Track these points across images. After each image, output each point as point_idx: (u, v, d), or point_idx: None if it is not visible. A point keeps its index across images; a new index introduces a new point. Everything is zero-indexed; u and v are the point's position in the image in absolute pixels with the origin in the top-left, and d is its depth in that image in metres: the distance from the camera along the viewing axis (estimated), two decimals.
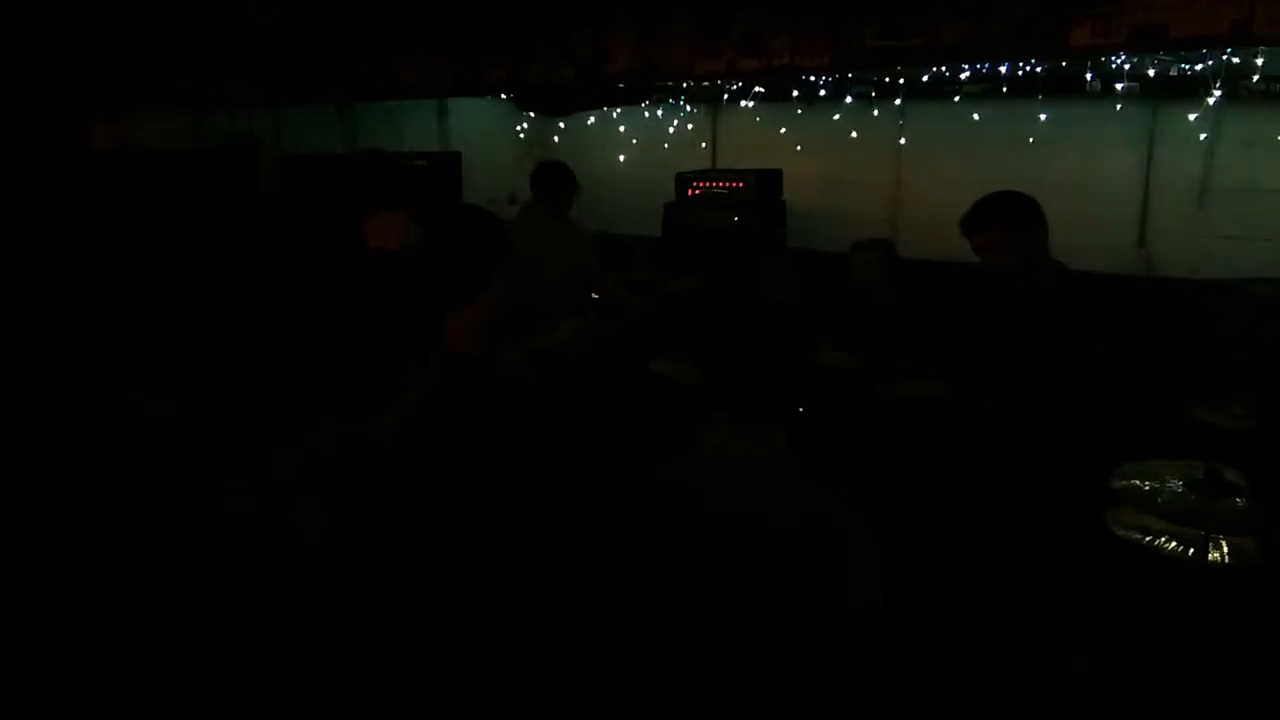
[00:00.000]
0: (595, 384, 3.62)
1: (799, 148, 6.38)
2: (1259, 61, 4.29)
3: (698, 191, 6.24)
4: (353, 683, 1.35)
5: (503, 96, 6.75)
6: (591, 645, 1.58)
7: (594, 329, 4.13)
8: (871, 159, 6.14)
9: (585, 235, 5.12)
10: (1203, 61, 4.38)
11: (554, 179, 4.83)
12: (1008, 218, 3.09)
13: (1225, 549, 2.70)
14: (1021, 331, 3.13)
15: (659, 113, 6.86)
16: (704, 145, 7.02)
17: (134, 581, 1.95)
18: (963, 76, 5.09)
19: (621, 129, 7.07)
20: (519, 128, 7.34)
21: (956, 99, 5.31)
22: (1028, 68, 4.66)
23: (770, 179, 6.20)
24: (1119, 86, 4.57)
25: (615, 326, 4.45)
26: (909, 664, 1.48)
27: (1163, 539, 2.77)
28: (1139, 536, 2.80)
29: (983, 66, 4.75)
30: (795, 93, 5.83)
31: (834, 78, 5.34)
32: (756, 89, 6.03)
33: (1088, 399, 2.95)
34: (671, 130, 6.92)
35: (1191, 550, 2.68)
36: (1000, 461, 2.92)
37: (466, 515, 1.47)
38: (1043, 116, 5.00)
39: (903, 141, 5.98)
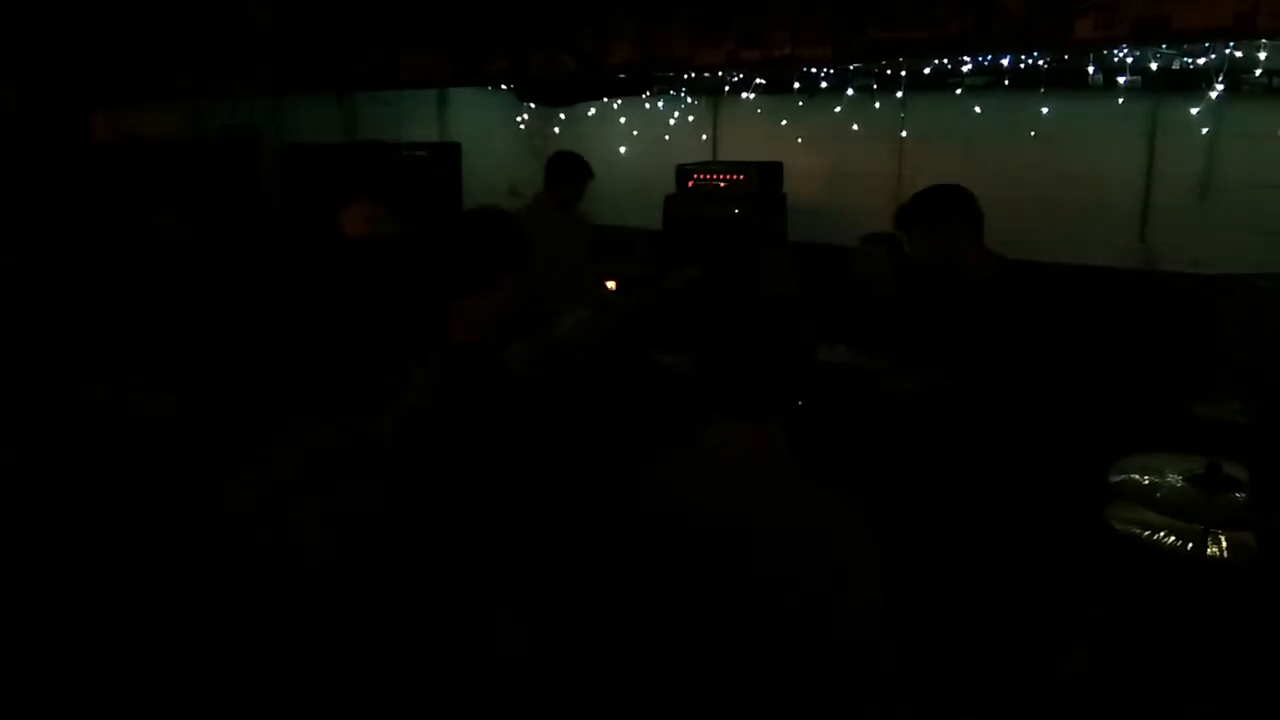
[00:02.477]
0: (597, 379, 3.61)
1: (800, 140, 6.36)
2: (1261, 56, 4.28)
3: (698, 184, 6.23)
4: (353, 682, 1.36)
5: (503, 87, 6.72)
6: (591, 646, 1.58)
7: (597, 322, 4.12)
8: (873, 152, 6.12)
9: (587, 227, 5.11)
10: (1205, 55, 4.36)
11: (570, 170, 4.82)
12: (927, 217, 3.10)
13: (1224, 544, 2.71)
14: (950, 325, 3.14)
15: (660, 104, 6.84)
16: (705, 137, 7.00)
17: (133, 581, 1.95)
18: (965, 69, 5.07)
19: (622, 120, 7.05)
20: (519, 119, 7.31)
21: (958, 92, 5.29)
22: (1030, 60, 4.65)
23: (771, 171, 6.18)
24: (1121, 80, 4.56)
25: (616, 319, 4.44)
26: (909, 664, 1.48)
27: (1162, 534, 2.77)
28: (1138, 531, 2.81)
29: (985, 59, 4.73)
30: (796, 85, 5.81)
31: (835, 70, 5.32)
32: (758, 81, 6.01)
33: (1082, 397, 2.94)
34: (672, 122, 6.90)
35: (1190, 545, 2.69)
36: (992, 458, 2.92)
37: (467, 514, 1.47)
38: (1044, 110, 4.99)
39: (904, 134, 5.96)
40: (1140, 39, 2.99)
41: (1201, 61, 4.42)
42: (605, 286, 4.98)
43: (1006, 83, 4.92)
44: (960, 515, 2.88)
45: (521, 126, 7.35)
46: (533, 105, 7.26)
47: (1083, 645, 2.50)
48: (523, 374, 2.49)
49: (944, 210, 3.09)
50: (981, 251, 3.11)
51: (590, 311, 4.06)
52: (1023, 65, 4.74)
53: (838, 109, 5.86)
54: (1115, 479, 2.77)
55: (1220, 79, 4.16)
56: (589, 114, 7.08)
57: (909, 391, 3.24)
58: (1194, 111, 4.78)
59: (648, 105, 6.89)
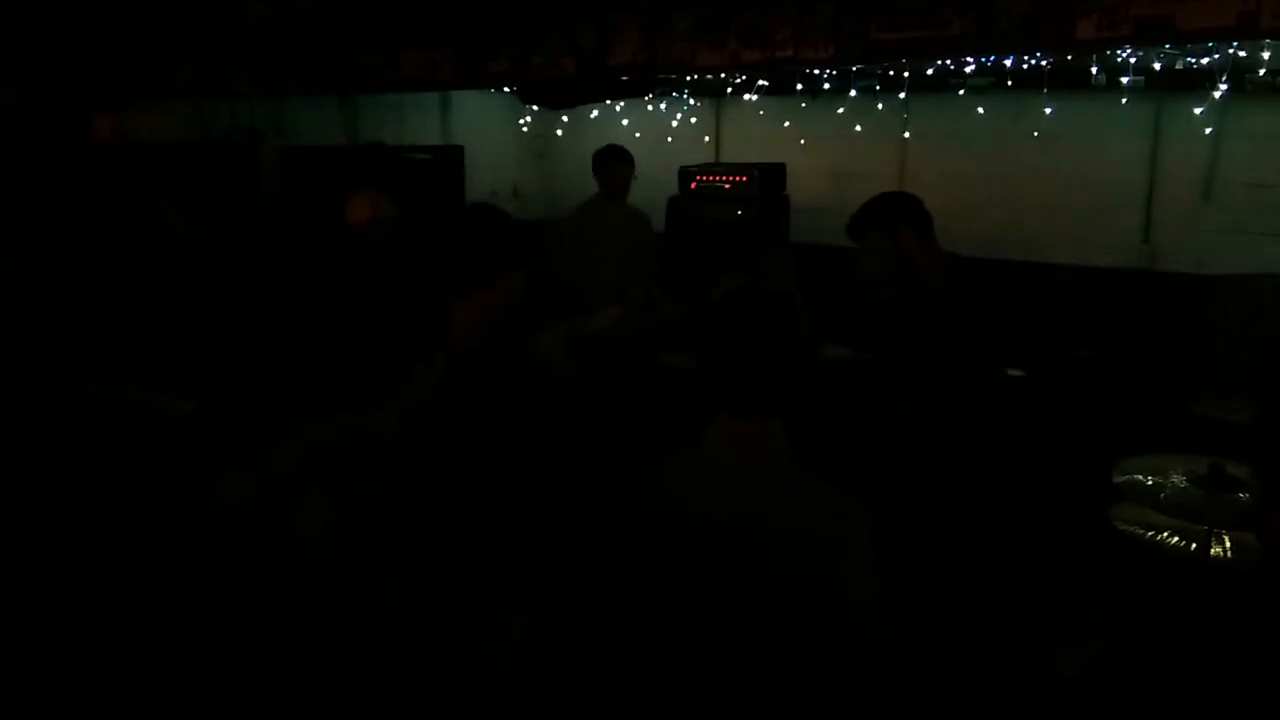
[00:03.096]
0: (603, 379, 3.60)
1: (803, 141, 6.36)
2: (1265, 55, 4.27)
3: (701, 185, 6.23)
4: (351, 682, 1.35)
5: (505, 89, 6.73)
6: (592, 647, 1.58)
7: (636, 320, 4.10)
8: (875, 153, 6.12)
9: (646, 224, 5.11)
10: (1208, 55, 4.36)
11: (603, 161, 4.86)
12: (879, 225, 3.08)
13: (1228, 544, 2.70)
14: (909, 329, 3.13)
15: (662, 106, 6.84)
16: (707, 139, 7.00)
17: (138, 580, 1.95)
18: (967, 70, 5.06)
19: (625, 122, 7.05)
20: (522, 121, 7.32)
21: (961, 92, 5.29)
22: (1032, 61, 4.64)
23: (774, 173, 6.18)
24: (1124, 80, 4.55)
25: (656, 321, 4.43)
26: (909, 664, 1.48)
27: (1165, 534, 2.77)
28: (1141, 532, 2.80)
29: (987, 60, 4.73)
30: (799, 86, 5.81)
31: (838, 71, 5.32)
32: (760, 82, 6.01)
33: (1068, 399, 2.94)
34: (675, 123, 6.90)
35: (1194, 545, 2.68)
36: (993, 459, 2.91)
37: (468, 513, 1.46)
38: (1047, 110, 4.98)
39: (907, 135, 5.96)
40: (1143, 39, 2.99)
41: (1205, 61, 4.42)
42: (657, 287, 4.95)
43: (1009, 83, 4.92)
44: (963, 515, 2.88)
45: (524, 129, 7.36)
46: (535, 108, 7.27)
47: (1085, 646, 2.49)
48: (549, 366, 2.49)
49: (895, 217, 3.07)
50: (935, 253, 3.09)
51: (628, 308, 4.05)
52: (1025, 66, 4.73)
53: (840, 110, 5.86)
54: (1119, 479, 2.77)
55: (1224, 79, 4.15)
56: (591, 116, 7.09)
57: (931, 413, 3.19)
58: (1197, 111, 4.77)
59: (650, 107, 6.89)
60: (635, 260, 4.88)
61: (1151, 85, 4.79)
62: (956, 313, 2.94)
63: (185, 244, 3.38)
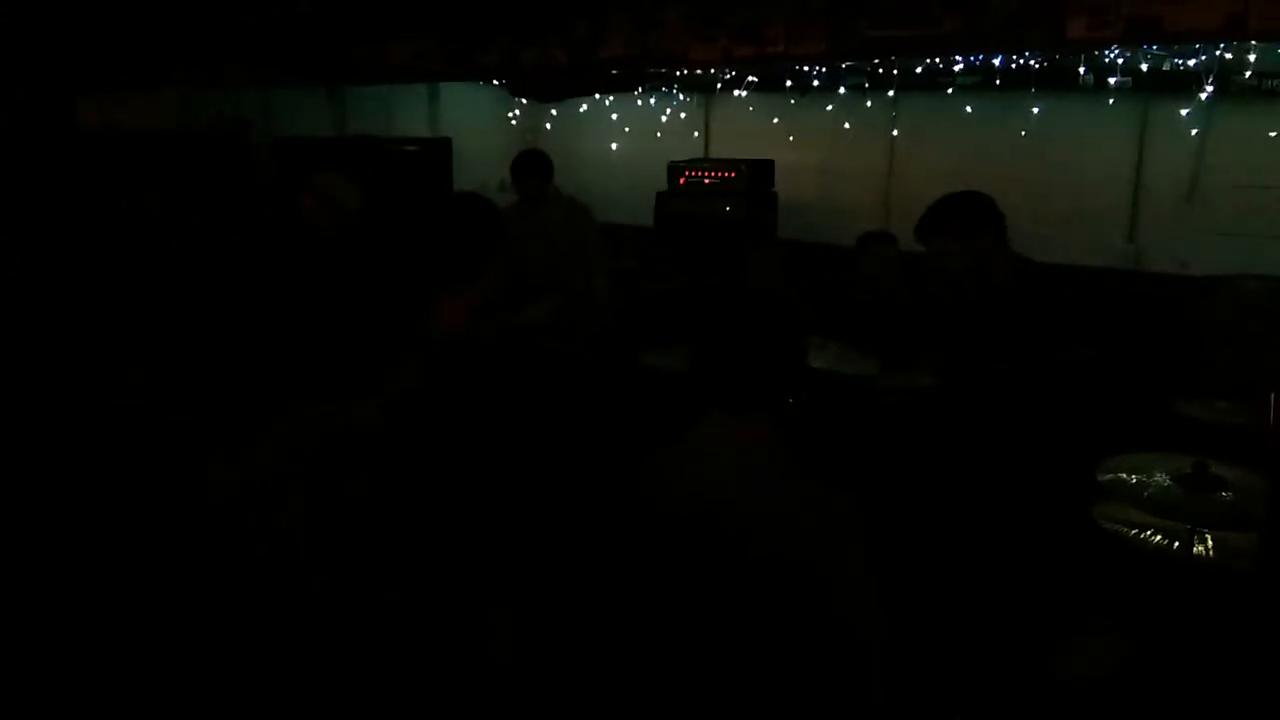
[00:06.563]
0: (587, 381, 3.60)
1: (792, 138, 6.37)
2: (1251, 58, 4.31)
3: (689, 180, 6.23)
4: (347, 682, 1.34)
5: (495, 82, 6.70)
6: (586, 641, 1.57)
7: (571, 313, 4.09)
8: (864, 150, 6.14)
9: (585, 214, 5.08)
10: (1195, 57, 4.39)
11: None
12: (956, 225, 3.10)
13: (1210, 543, 2.72)
14: (970, 326, 3.17)
15: (652, 101, 6.83)
16: (696, 134, 7.00)
17: (117, 572, 1.93)
18: (956, 69, 5.08)
19: (614, 117, 7.04)
20: (511, 114, 7.29)
21: (950, 91, 5.31)
22: (1021, 60, 4.67)
23: (762, 169, 6.19)
24: (1112, 80, 4.58)
25: (600, 314, 4.42)
26: (902, 662, 1.48)
27: (1148, 532, 2.79)
28: (1125, 530, 2.82)
29: (976, 59, 4.75)
30: (789, 82, 5.82)
31: (828, 68, 5.33)
32: (750, 78, 6.02)
33: (1070, 398, 2.96)
34: (664, 119, 6.89)
35: (1176, 544, 2.71)
36: (982, 456, 2.92)
37: (463, 508, 1.46)
38: (1035, 110, 5.01)
39: (895, 133, 5.97)
40: (1132, 39, 3.00)
41: (1191, 63, 4.45)
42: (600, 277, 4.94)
43: (997, 82, 4.94)
44: (948, 513, 2.89)
45: (513, 122, 7.33)
46: (524, 101, 7.25)
47: (1085, 648, 2.50)
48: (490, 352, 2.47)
49: (973, 218, 3.10)
50: (1006, 254, 3.14)
51: (561, 300, 4.05)
52: (1014, 65, 4.76)
53: (829, 107, 5.87)
54: (1104, 478, 2.78)
55: (1210, 80, 4.18)
56: (581, 110, 7.07)
57: (894, 388, 3.26)
58: (1183, 113, 4.81)
59: (640, 102, 6.88)
60: (576, 252, 4.85)
61: (1139, 86, 4.83)
62: (1023, 313, 3.01)
63: (169, 236, 3.33)
